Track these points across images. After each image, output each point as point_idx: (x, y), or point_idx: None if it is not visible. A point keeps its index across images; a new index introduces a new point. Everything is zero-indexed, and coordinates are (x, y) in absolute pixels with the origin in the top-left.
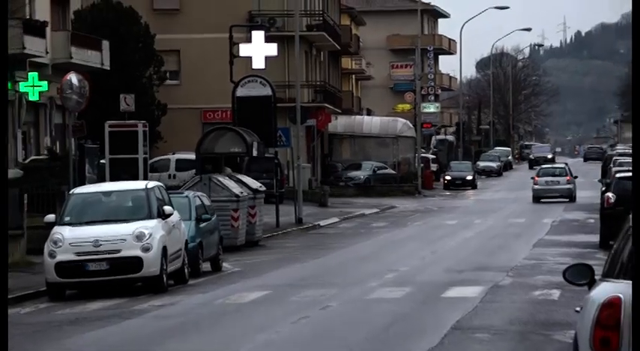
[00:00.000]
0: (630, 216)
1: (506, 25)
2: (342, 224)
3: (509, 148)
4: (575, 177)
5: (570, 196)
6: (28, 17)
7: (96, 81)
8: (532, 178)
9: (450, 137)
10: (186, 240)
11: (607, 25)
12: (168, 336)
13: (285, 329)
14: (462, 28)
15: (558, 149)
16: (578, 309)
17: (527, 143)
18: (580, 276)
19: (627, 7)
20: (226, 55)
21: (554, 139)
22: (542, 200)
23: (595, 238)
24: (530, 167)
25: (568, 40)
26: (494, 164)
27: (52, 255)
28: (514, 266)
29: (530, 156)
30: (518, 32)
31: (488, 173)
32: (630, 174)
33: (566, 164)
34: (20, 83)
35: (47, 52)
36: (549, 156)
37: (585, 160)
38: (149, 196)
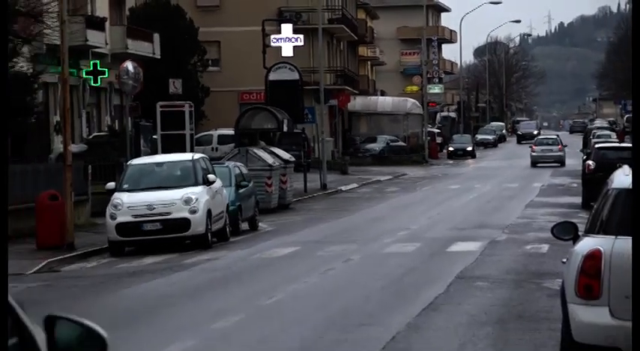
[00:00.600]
0: (609, 179)
1: (499, 17)
2: (361, 189)
3: (503, 124)
4: (565, 146)
5: (561, 162)
6: (89, 14)
7: (148, 68)
8: (530, 146)
9: (452, 114)
10: (227, 204)
11: (586, 17)
12: (214, 286)
13: (313, 279)
14: (462, 20)
15: (545, 124)
16: (564, 260)
17: (518, 119)
18: (565, 232)
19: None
20: (260, 45)
21: (541, 115)
22: (538, 165)
23: (578, 199)
24: (518, 142)
25: (552, 30)
26: (490, 137)
27: (112, 217)
28: (509, 224)
29: (518, 132)
30: (510, 24)
31: (485, 145)
32: (608, 144)
33: (558, 136)
34: (83, 70)
35: (106, 44)
36: (535, 132)
37: (571, 132)
38: (195, 166)
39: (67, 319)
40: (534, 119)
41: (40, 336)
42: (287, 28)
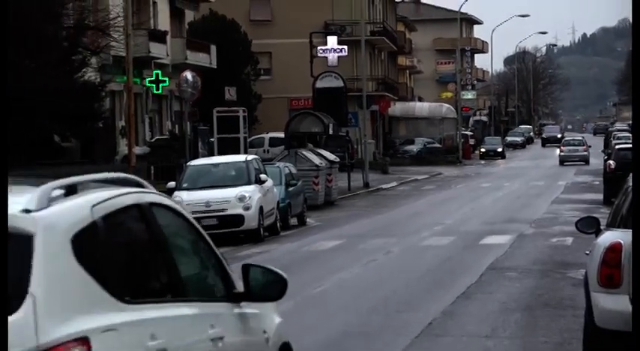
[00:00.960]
0: (629, 177)
1: (527, 29)
2: (400, 187)
3: (531, 126)
4: (589, 146)
5: (586, 160)
6: (152, 28)
7: (205, 77)
8: (559, 147)
9: (484, 118)
10: (278, 201)
11: (607, 28)
12: None
13: (356, 270)
14: (493, 32)
15: (569, 126)
16: (587, 252)
17: (544, 122)
18: (588, 226)
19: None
20: (307, 56)
21: (566, 118)
22: (565, 163)
23: (599, 196)
24: (543, 145)
25: (576, 41)
26: (519, 139)
27: None
28: (536, 219)
29: (543, 135)
30: (537, 35)
31: (515, 146)
32: (627, 145)
33: (583, 137)
34: (146, 80)
35: (167, 55)
36: (559, 136)
37: (595, 134)
38: (248, 167)
39: (257, 266)
40: (559, 123)
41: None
42: (332, 40)
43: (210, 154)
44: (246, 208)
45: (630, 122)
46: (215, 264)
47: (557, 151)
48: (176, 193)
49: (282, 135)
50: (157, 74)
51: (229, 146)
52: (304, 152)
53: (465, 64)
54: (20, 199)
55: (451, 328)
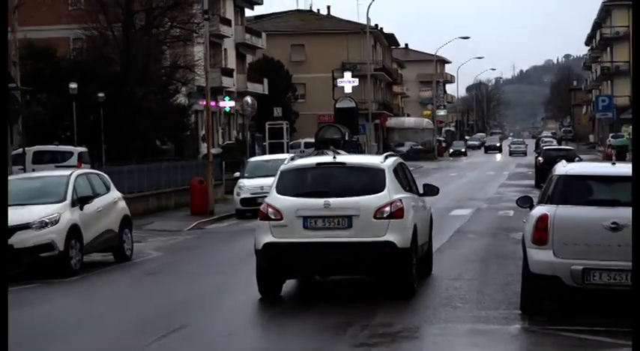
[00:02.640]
0: (552, 168)
1: (481, 66)
2: None
3: (484, 134)
4: (527, 144)
5: (525, 153)
6: (223, 66)
7: (260, 100)
8: (508, 145)
9: (452, 128)
10: None
11: (536, 66)
12: None
13: None
14: (458, 69)
15: (511, 134)
16: (524, 221)
17: (493, 131)
18: (525, 202)
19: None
20: (330, 85)
21: (509, 128)
22: (512, 155)
23: (532, 182)
24: (486, 152)
25: (515, 75)
26: (476, 143)
27: (238, 194)
28: (488, 198)
29: (485, 144)
30: (488, 71)
31: (473, 148)
32: (551, 147)
33: (524, 140)
34: (220, 102)
35: (234, 85)
36: (497, 144)
37: (532, 138)
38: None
39: (427, 184)
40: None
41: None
42: (347, 75)
43: (263, 153)
44: None
45: (553, 131)
46: (414, 184)
47: (499, 156)
48: (240, 180)
49: (312, 140)
50: (227, 98)
51: (276, 148)
52: (328, 152)
53: (439, 92)
54: (376, 160)
55: (432, 272)
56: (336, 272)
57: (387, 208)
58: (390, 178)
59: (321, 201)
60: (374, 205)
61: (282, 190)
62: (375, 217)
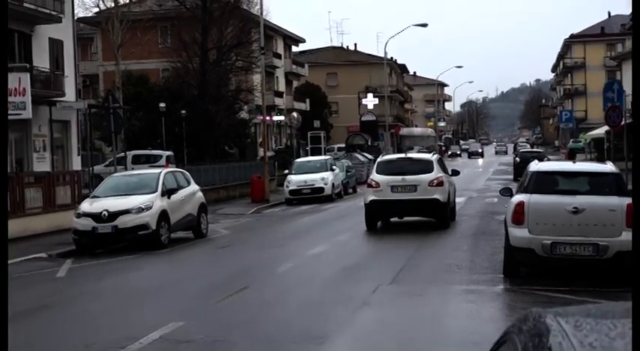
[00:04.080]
0: (527, 166)
1: (472, 88)
2: None
3: (474, 139)
4: (507, 146)
5: (506, 152)
6: (275, 89)
7: (303, 115)
8: (494, 146)
9: (450, 136)
10: (342, 180)
11: (514, 87)
12: (334, 219)
13: None
14: (454, 90)
15: (495, 140)
16: (506, 206)
17: (482, 138)
18: (506, 192)
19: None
20: (356, 103)
21: (493, 135)
22: (497, 154)
23: (511, 176)
24: (469, 157)
25: (498, 94)
26: (467, 147)
27: (287, 186)
28: (477, 189)
29: (469, 150)
30: (477, 92)
31: (465, 151)
32: (526, 149)
33: (505, 144)
34: (273, 116)
35: (284, 104)
36: (479, 150)
37: (511, 142)
38: (327, 162)
39: (453, 169)
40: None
41: None
42: (370, 95)
43: (306, 155)
44: (325, 184)
45: (527, 138)
46: (446, 169)
47: (480, 160)
48: (288, 176)
49: (343, 145)
50: (278, 114)
51: (316, 152)
52: (355, 154)
53: (440, 108)
54: (428, 155)
55: (433, 245)
56: (408, 215)
57: (435, 181)
58: (435, 165)
59: (400, 177)
60: (428, 179)
61: (379, 171)
62: (429, 185)
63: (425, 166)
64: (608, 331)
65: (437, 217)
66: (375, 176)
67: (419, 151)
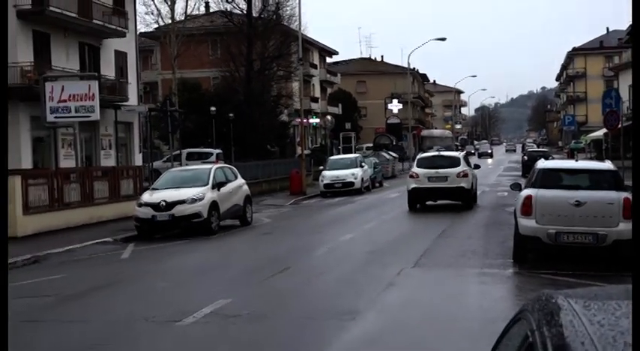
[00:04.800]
0: (534, 165)
1: (486, 95)
2: None
3: (487, 140)
4: (516, 145)
5: (515, 150)
6: (312, 96)
7: (336, 118)
8: (505, 145)
9: (465, 137)
10: (370, 175)
11: (522, 94)
12: (364, 209)
13: (407, 208)
14: (469, 97)
15: (505, 141)
16: (516, 199)
17: (493, 139)
18: (516, 187)
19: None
20: (383, 108)
21: (504, 136)
22: (507, 151)
23: (519, 173)
24: (479, 157)
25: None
26: (478, 147)
27: (321, 181)
28: (490, 183)
29: (479, 151)
30: (489, 98)
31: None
32: (532, 149)
33: (515, 144)
34: (310, 119)
35: (319, 108)
36: (489, 151)
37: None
38: (357, 160)
39: (475, 164)
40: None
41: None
42: (395, 101)
43: (338, 153)
44: (355, 178)
45: (534, 139)
46: (471, 163)
47: (490, 160)
48: (323, 172)
49: (371, 144)
50: (314, 117)
51: (347, 150)
52: (382, 153)
53: (456, 112)
54: (457, 153)
55: (450, 233)
56: (441, 199)
57: (461, 173)
58: (462, 161)
59: (434, 170)
60: (456, 171)
61: (418, 165)
62: (457, 176)
63: (454, 162)
64: (614, 310)
65: (463, 200)
66: (416, 169)
67: (438, 150)
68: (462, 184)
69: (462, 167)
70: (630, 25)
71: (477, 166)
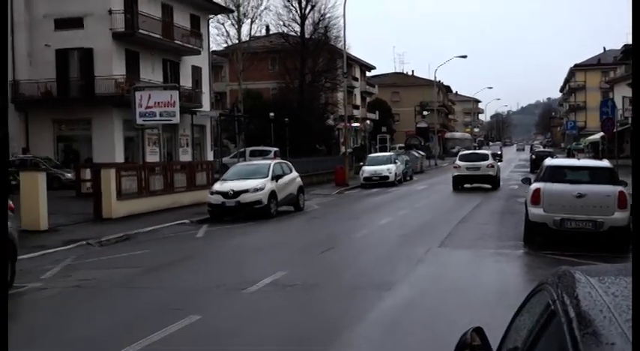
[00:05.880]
0: (542, 163)
1: (499, 104)
2: (444, 165)
3: (501, 142)
4: (525, 146)
5: (524, 149)
6: (353, 103)
7: (374, 123)
8: (516, 145)
9: (482, 139)
10: (402, 170)
11: (531, 103)
12: (397, 199)
13: (433, 198)
14: (486, 105)
15: (515, 143)
16: (526, 191)
17: (505, 141)
18: (526, 181)
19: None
20: (413, 115)
21: (515, 139)
22: (518, 150)
23: (528, 169)
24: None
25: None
26: (497, 147)
27: (361, 174)
28: (502, 178)
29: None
30: (503, 106)
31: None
32: (539, 149)
33: (524, 144)
34: (352, 123)
35: (359, 114)
36: (499, 151)
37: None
38: (392, 157)
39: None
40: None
41: None
42: (423, 109)
43: (375, 152)
44: (390, 173)
45: (540, 141)
46: (495, 156)
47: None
48: (363, 167)
49: (403, 145)
50: (355, 121)
51: (383, 149)
52: (412, 151)
53: (475, 118)
54: (486, 151)
55: (470, 219)
56: (475, 183)
57: (489, 164)
58: (490, 156)
59: (470, 163)
60: (486, 163)
61: (459, 159)
62: (486, 167)
63: (484, 156)
64: (625, 284)
65: (490, 183)
66: (458, 162)
67: (458, 150)
68: (489, 173)
69: (490, 161)
70: (624, 45)
71: (499, 160)
